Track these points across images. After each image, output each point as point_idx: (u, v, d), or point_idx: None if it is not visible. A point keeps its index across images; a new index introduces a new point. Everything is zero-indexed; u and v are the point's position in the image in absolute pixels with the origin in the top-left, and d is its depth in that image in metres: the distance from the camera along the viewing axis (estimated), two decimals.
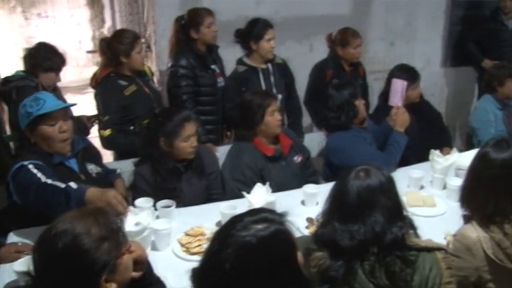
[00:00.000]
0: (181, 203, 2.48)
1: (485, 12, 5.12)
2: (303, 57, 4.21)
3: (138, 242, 1.59)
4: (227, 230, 1.26)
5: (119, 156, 3.12)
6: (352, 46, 3.63)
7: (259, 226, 1.24)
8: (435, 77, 5.17)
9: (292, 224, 1.36)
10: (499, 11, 4.86)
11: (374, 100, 3.81)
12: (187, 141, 2.50)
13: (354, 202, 1.60)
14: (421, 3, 4.85)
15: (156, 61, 4.09)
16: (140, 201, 2.35)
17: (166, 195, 2.43)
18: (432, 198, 2.57)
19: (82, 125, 3.06)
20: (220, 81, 3.41)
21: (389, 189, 1.64)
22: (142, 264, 1.51)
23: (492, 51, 4.86)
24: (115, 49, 2.98)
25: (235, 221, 1.27)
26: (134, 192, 2.59)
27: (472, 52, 4.92)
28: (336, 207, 1.66)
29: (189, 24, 3.25)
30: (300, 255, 1.32)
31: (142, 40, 4.05)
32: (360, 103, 2.89)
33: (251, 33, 3.29)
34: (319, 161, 3.19)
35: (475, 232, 1.80)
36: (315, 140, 3.35)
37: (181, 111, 2.59)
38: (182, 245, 2.15)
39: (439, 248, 1.68)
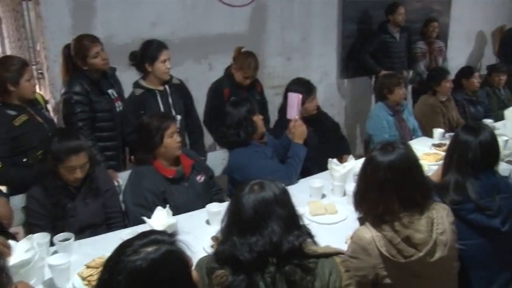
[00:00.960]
0: (77, 222, 2.43)
1: (374, 26, 5.51)
2: (203, 77, 4.26)
3: (26, 282, 1.51)
4: (117, 257, 1.23)
5: (11, 191, 2.95)
6: (242, 73, 3.70)
7: (149, 249, 1.23)
8: (333, 89, 5.47)
9: (186, 243, 1.35)
10: (387, 25, 5.25)
11: (275, 115, 3.91)
12: (69, 171, 2.44)
13: (250, 215, 1.62)
14: (314, 19, 5.11)
15: (49, 88, 3.94)
16: (36, 237, 2.24)
17: (60, 214, 2.37)
18: (333, 206, 2.67)
19: None
20: (118, 106, 3.33)
21: (284, 200, 1.68)
22: None
23: (384, 62, 5.24)
24: (1, 77, 2.83)
25: (125, 246, 1.24)
26: (27, 215, 2.52)
27: (369, 64, 5.25)
28: (233, 223, 1.67)
29: (75, 56, 3.16)
30: (195, 274, 1.32)
31: (34, 66, 3.90)
32: (258, 119, 2.96)
33: (145, 55, 3.27)
34: (224, 179, 3.22)
35: (368, 233, 1.90)
36: (218, 158, 3.37)
37: (75, 140, 2.49)
38: (83, 279, 2.07)
39: (337, 253, 1.74)
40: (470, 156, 2.30)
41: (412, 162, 1.94)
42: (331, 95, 5.43)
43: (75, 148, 2.43)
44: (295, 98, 3.10)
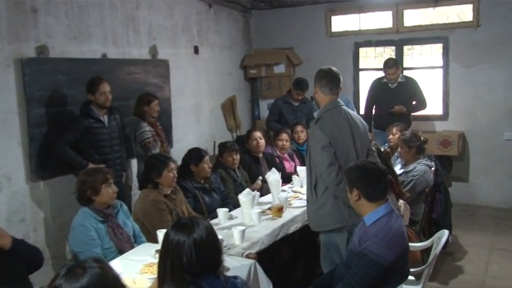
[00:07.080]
0: None
1: (74, 108, 5.34)
2: None
3: None
4: None
5: None
6: None
7: None
8: (21, 197, 5.03)
9: None
10: (91, 107, 5.12)
11: None
12: None
13: None
14: None
15: None
16: None
17: None
18: None
19: None
20: None
21: None
22: None
23: (92, 154, 5.14)
24: None
25: None
26: None
27: (71, 157, 5.05)
28: None
29: None
30: None
31: None
32: None
33: None
34: None
35: None
36: None
37: None
38: None
39: None
40: (184, 260, 2.37)
41: (110, 285, 1.94)
42: (20, 207, 4.96)
43: None
44: None
